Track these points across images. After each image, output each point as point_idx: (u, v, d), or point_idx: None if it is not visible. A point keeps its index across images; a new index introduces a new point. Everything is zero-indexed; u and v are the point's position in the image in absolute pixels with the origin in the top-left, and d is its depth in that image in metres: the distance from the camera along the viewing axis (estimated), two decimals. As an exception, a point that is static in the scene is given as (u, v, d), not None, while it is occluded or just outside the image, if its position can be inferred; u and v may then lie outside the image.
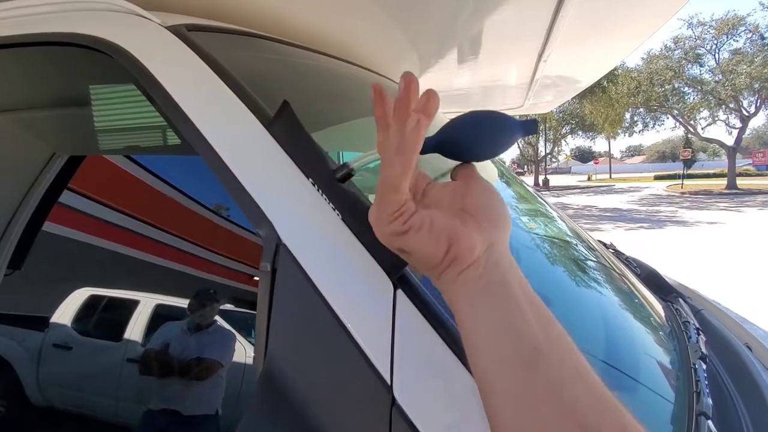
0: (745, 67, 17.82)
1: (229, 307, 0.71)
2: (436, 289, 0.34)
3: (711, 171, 34.74)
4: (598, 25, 1.01)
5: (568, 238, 1.05)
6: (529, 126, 0.38)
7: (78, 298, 1.30)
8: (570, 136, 32.14)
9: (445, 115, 1.55)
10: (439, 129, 0.37)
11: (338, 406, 0.36)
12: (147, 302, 1.25)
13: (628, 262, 1.13)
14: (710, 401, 0.51)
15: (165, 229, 0.96)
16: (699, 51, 20.28)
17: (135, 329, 1.25)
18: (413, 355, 0.36)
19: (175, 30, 0.53)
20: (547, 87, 1.86)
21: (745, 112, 19.98)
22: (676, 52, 20.75)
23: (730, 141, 20.81)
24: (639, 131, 25.03)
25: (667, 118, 23.35)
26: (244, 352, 0.62)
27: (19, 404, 1.20)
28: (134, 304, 1.30)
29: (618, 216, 11.87)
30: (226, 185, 0.42)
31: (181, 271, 0.99)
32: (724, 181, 20.92)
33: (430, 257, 0.32)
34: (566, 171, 66.89)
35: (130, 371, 1.24)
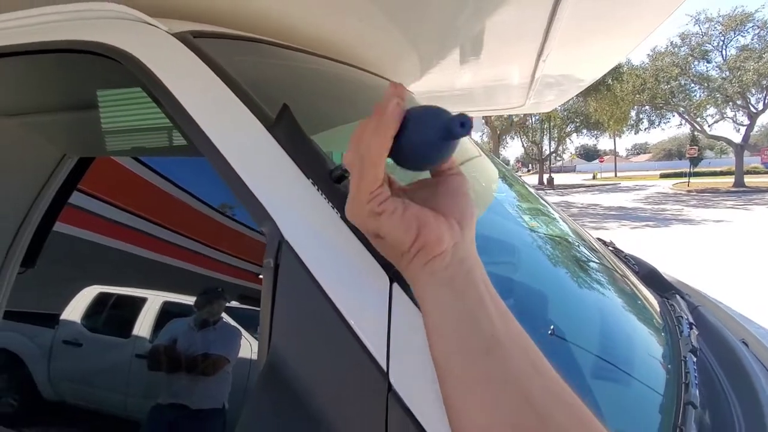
0: (752, 63, 17.63)
1: (234, 304, 0.73)
2: None
3: (718, 169, 34.41)
4: (595, 24, 1.02)
5: (565, 236, 1.06)
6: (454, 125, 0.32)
7: (87, 295, 1.33)
8: (575, 134, 31.96)
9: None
10: None
11: (337, 393, 0.38)
12: (154, 300, 1.28)
13: (626, 259, 1.15)
14: (697, 392, 0.53)
15: (171, 228, 0.99)
16: (706, 47, 20.09)
17: (143, 326, 1.28)
18: (408, 344, 0.38)
19: (181, 37, 0.56)
20: (549, 86, 1.86)
21: (753, 109, 19.77)
22: (683, 48, 20.58)
23: (737, 138, 20.60)
24: (645, 129, 24.84)
25: (673, 115, 23.17)
26: (249, 347, 0.64)
27: (30, 399, 1.23)
28: (142, 301, 1.34)
29: (623, 214, 11.82)
30: (230, 185, 0.44)
31: (187, 269, 1.01)
32: (731, 179, 20.72)
33: (400, 242, 0.33)
34: (571, 169, 66.57)
35: (139, 367, 1.27)
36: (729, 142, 20.95)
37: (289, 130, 0.43)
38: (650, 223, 9.96)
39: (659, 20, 1.03)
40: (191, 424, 0.74)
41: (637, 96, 20.27)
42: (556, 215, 1.21)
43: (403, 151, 0.34)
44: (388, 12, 1.00)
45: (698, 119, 21.79)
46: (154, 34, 0.56)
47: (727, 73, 19.14)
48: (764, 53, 17.76)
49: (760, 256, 5.99)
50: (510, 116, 22.64)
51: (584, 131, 30.84)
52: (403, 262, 0.34)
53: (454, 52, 1.32)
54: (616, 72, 19.01)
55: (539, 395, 0.28)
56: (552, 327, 0.64)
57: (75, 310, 1.30)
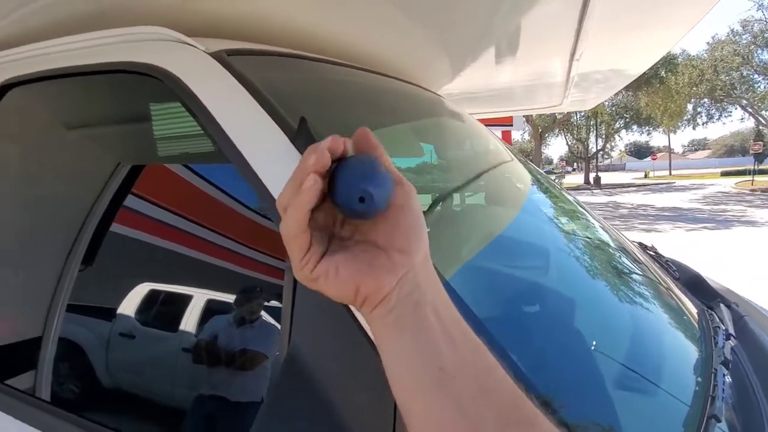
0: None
1: (273, 303, 0.77)
2: None
3: (788, 165, 31.50)
4: (631, 19, 0.98)
5: (598, 240, 1.03)
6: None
7: (140, 292, 1.44)
8: (624, 130, 30.39)
9: (472, 115, 1.55)
10: None
11: (352, 386, 0.40)
12: (199, 297, 1.36)
13: (667, 265, 1.10)
14: (723, 405, 0.51)
15: (213, 229, 1.06)
16: (771, 34, 18.51)
17: (188, 322, 1.37)
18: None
19: (217, 55, 0.60)
20: (587, 84, 1.81)
21: (827, 100, 18.00)
22: (745, 36, 19.05)
23: (809, 132, 18.79)
24: (702, 124, 23.24)
25: (735, 108, 21.52)
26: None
27: (90, 385, 1.35)
28: (188, 298, 1.43)
29: (677, 215, 11.11)
30: (257, 191, 0.48)
31: (227, 269, 1.08)
32: (802, 177, 18.92)
33: (341, 299, 0.34)
34: (620, 168, 63.30)
35: (184, 360, 1.37)
36: (800, 136, 19.13)
37: (307, 142, 0.46)
38: (708, 225, 9.29)
39: (702, 12, 0.98)
40: (230, 416, 0.78)
41: (694, 88, 19.00)
42: (591, 218, 1.18)
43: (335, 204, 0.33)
44: (417, 19, 1.01)
45: (763, 112, 20.08)
46: (192, 54, 0.61)
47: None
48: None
49: (836, 261, 5.45)
50: (553, 113, 21.89)
51: (634, 127, 29.24)
52: (356, 308, 0.35)
53: (485, 54, 1.32)
54: (669, 63, 17.91)
55: (493, 425, 0.29)
56: (594, 342, 0.64)
57: (130, 305, 1.42)
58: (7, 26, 0.78)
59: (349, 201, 0.31)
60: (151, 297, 1.39)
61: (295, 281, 0.45)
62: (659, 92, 18.53)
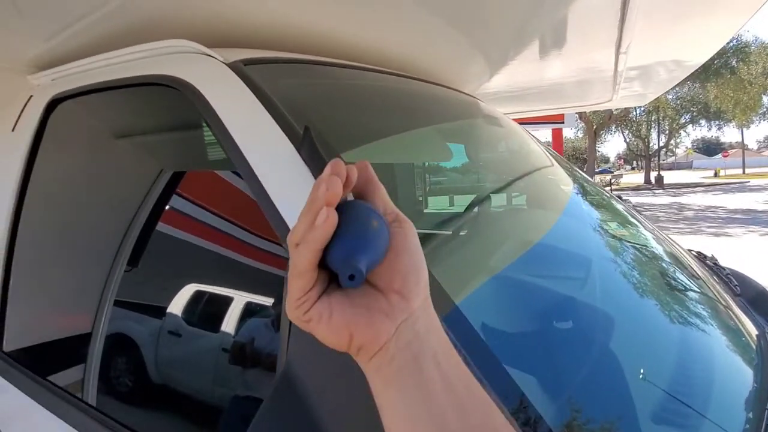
0: None
1: None
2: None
3: None
4: (679, 8, 0.89)
5: (647, 250, 0.94)
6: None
7: (186, 292, 1.52)
8: (690, 125, 28.15)
9: (518, 114, 1.49)
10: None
11: (348, 395, 0.39)
12: (239, 299, 1.41)
13: (728, 278, 0.98)
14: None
15: (253, 232, 1.09)
16: None
17: (229, 323, 1.42)
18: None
19: (234, 66, 0.61)
20: (640, 78, 1.68)
21: None
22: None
23: None
24: (782, 117, 20.97)
25: (823, 99, 19.23)
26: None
27: (141, 380, 1.44)
28: (229, 300, 1.49)
29: (752, 219, 10.10)
30: (258, 201, 0.47)
31: (267, 271, 1.11)
32: None
33: (335, 346, 0.31)
34: (687, 166, 58.71)
35: (224, 360, 1.42)
36: None
37: (310, 151, 0.45)
38: (788, 229, 8.38)
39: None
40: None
41: (770, 79, 17.22)
42: (640, 226, 1.09)
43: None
44: (450, 21, 0.98)
45: None
46: (210, 65, 0.62)
47: None
48: None
49: None
50: (608, 109, 20.69)
51: (702, 122, 27.00)
52: (352, 355, 0.32)
53: (522, 52, 1.26)
54: (741, 52, 16.38)
55: None
56: (642, 371, 0.58)
57: (177, 305, 1.50)
58: (54, 47, 0.84)
59: (339, 273, 0.30)
60: (196, 298, 1.46)
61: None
62: (730, 83, 16.98)
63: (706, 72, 16.45)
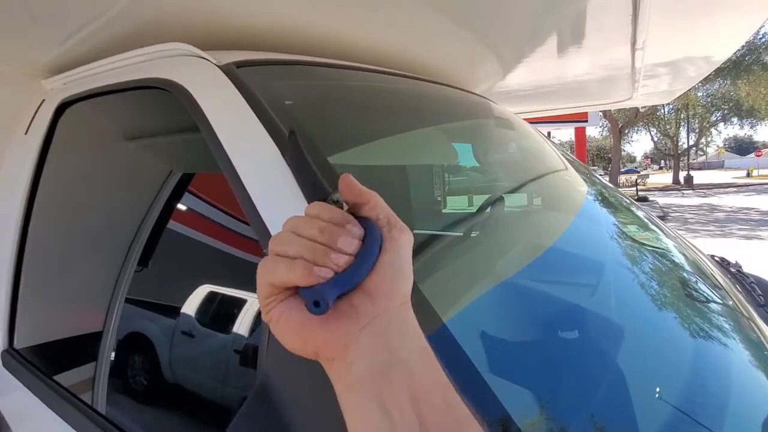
0: None
1: None
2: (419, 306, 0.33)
3: None
4: (694, 4, 0.85)
5: (663, 258, 0.90)
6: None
7: (200, 293, 1.54)
8: (722, 124, 27.07)
9: (518, 116, 1.45)
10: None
11: (321, 414, 0.37)
12: (252, 301, 1.42)
13: (751, 287, 0.92)
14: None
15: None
16: None
17: (242, 325, 1.43)
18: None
19: (226, 68, 0.61)
20: (661, 75, 1.61)
21: None
22: None
23: None
24: (822, 114, 19.93)
25: None
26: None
27: (156, 378, 1.47)
28: (242, 302, 1.50)
29: (787, 220, 9.64)
30: (241, 203, 0.46)
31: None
32: None
33: (292, 349, 0.30)
34: (718, 165, 56.46)
35: (235, 361, 1.43)
36: None
37: (295, 155, 0.44)
38: (826, 232, 7.95)
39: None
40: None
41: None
42: (658, 232, 1.04)
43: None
44: (457, 20, 0.96)
45: None
46: (203, 67, 0.62)
47: None
48: None
49: None
50: (635, 106, 20.07)
51: (734, 120, 25.91)
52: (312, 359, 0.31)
53: (535, 51, 1.22)
54: (776, 46, 15.63)
55: None
56: (658, 389, 0.55)
57: (190, 305, 1.52)
58: (65, 52, 0.86)
59: (304, 298, 0.28)
60: (210, 299, 1.48)
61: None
62: (762, 80, 16.23)
63: (737, 68, 15.78)
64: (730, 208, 12.92)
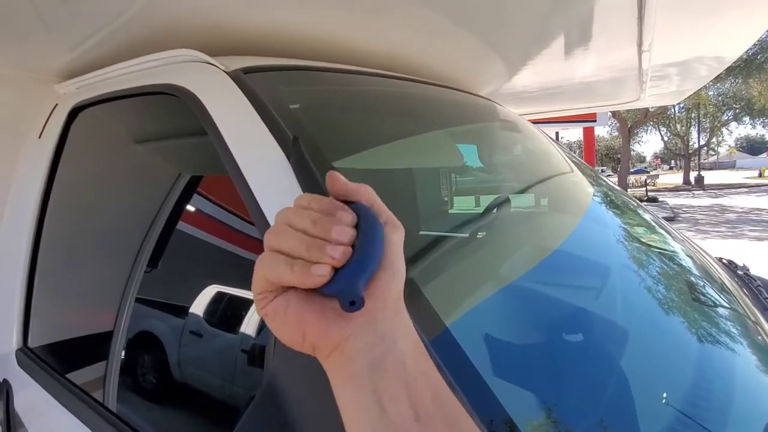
0: None
1: None
2: (419, 307, 0.34)
3: None
4: (701, 6, 0.84)
5: (667, 261, 0.89)
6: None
7: (208, 293, 1.56)
8: (733, 123, 26.68)
9: (522, 118, 1.45)
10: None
11: (327, 416, 0.38)
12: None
13: (758, 290, 0.91)
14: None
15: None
16: None
17: (249, 325, 1.45)
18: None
19: (233, 74, 0.62)
20: (670, 75, 1.60)
21: None
22: None
23: None
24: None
25: None
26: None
27: (165, 377, 1.49)
28: (249, 302, 1.52)
29: (800, 221, 9.47)
30: (249, 207, 0.48)
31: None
32: None
33: (289, 343, 0.31)
34: (730, 165, 55.64)
35: (243, 361, 1.44)
36: None
37: (298, 160, 0.45)
38: (841, 233, 7.80)
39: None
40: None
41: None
42: (663, 232, 1.03)
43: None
44: (460, 22, 0.97)
45: None
46: (211, 73, 0.63)
47: None
48: None
49: None
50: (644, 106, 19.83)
51: (746, 119, 25.53)
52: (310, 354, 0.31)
53: (541, 53, 1.22)
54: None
55: None
56: (665, 395, 0.55)
57: (199, 305, 1.54)
58: (77, 57, 0.88)
59: (339, 299, 0.28)
60: (217, 299, 1.50)
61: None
62: (775, 79, 16.01)
63: (749, 67, 15.57)
64: (742, 208, 12.73)
